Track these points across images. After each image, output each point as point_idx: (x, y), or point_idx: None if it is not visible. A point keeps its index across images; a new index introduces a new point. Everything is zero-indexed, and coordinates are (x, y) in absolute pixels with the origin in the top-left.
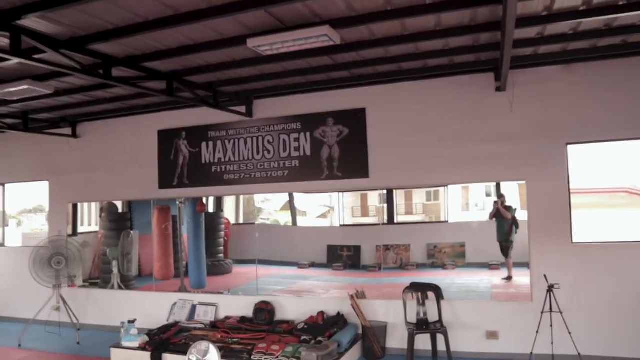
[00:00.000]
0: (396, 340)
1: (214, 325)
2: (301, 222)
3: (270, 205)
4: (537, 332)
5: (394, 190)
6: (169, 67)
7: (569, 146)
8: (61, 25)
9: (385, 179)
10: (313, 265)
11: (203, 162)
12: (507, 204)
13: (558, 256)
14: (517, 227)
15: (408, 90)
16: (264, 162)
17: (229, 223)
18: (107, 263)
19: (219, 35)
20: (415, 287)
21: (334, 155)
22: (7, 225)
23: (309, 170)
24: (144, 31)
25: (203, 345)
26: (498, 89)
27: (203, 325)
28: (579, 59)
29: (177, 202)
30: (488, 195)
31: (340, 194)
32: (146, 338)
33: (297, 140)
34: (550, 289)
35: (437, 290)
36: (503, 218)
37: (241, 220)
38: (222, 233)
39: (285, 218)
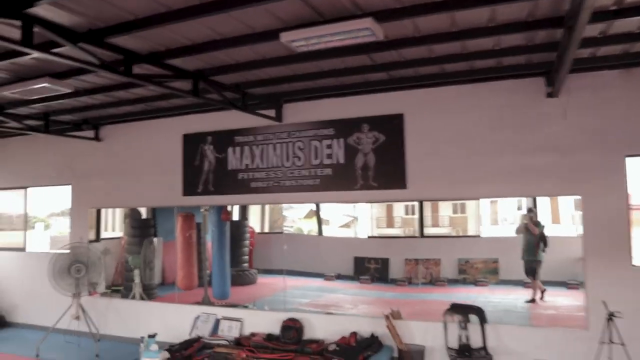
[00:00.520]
0: None
1: (239, 342)
2: (324, 231)
3: (293, 212)
4: None
5: (423, 203)
6: (195, 65)
7: (627, 158)
8: (78, 15)
9: (424, 191)
10: (339, 277)
11: (229, 168)
12: (537, 219)
13: (616, 280)
14: (545, 244)
15: (450, 95)
16: (293, 169)
17: (253, 232)
18: (130, 270)
19: (249, 29)
20: (456, 309)
21: (369, 163)
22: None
23: (342, 180)
24: (167, 22)
25: None
26: (550, 95)
27: (227, 342)
28: None
29: (202, 210)
30: (519, 209)
31: (368, 204)
32: (167, 355)
33: (329, 147)
34: (611, 317)
35: (480, 313)
36: (530, 234)
37: (266, 229)
38: (247, 242)
39: (308, 226)
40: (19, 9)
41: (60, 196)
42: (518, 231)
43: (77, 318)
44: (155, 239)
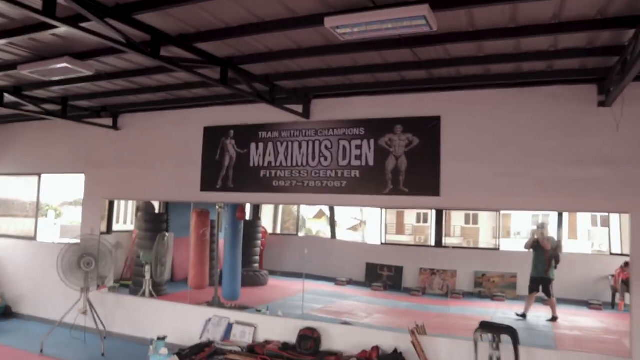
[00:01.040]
0: None
1: (252, 350)
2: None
3: (307, 213)
4: None
5: (444, 211)
6: (225, 51)
7: None
8: None
9: (458, 199)
10: (350, 282)
11: (251, 165)
12: (550, 234)
13: None
14: (557, 261)
15: (492, 98)
16: (319, 169)
17: (266, 232)
18: (140, 265)
19: (290, 12)
20: (487, 328)
21: (400, 167)
22: (46, 216)
23: (371, 183)
24: None
25: None
26: (601, 104)
27: (240, 349)
28: None
29: (217, 207)
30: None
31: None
32: (176, 359)
33: (359, 147)
34: None
35: (513, 334)
36: (542, 250)
37: (279, 230)
38: (259, 242)
39: (317, 227)
40: None
41: (73, 185)
42: (527, 246)
43: (84, 313)
44: (167, 235)
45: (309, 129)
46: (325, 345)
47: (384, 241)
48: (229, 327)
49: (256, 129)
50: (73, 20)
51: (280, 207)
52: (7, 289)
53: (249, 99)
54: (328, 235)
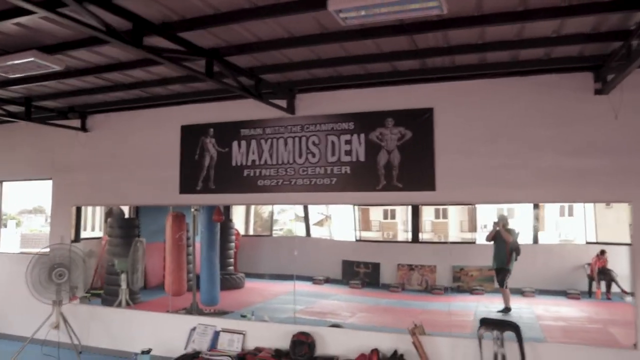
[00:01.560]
0: None
1: (243, 358)
2: (301, 231)
3: (285, 215)
4: None
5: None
6: (210, 42)
7: None
8: None
9: (455, 193)
10: (328, 280)
11: (233, 164)
12: (510, 226)
13: None
14: (517, 253)
15: (486, 88)
16: (307, 167)
17: (238, 234)
18: (112, 273)
19: None
20: (490, 325)
21: (393, 162)
22: (5, 227)
23: (363, 179)
24: None
25: None
26: (598, 92)
27: (229, 358)
28: None
29: (192, 210)
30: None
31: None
32: None
33: (348, 142)
34: None
35: (517, 330)
36: (503, 242)
37: (251, 232)
38: (233, 244)
39: (297, 227)
40: None
41: (33, 192)
42: (488, 238)
43: (57, 327)
44: (141, 241)
45: (294, 124)
46: (320, 350)
47: (358, 237)
48: (216, 335)
49: (238, 126)
50: (49, 5)
51: (252, 207)
52: None
53: (230, 94)
54: (303, 233)
